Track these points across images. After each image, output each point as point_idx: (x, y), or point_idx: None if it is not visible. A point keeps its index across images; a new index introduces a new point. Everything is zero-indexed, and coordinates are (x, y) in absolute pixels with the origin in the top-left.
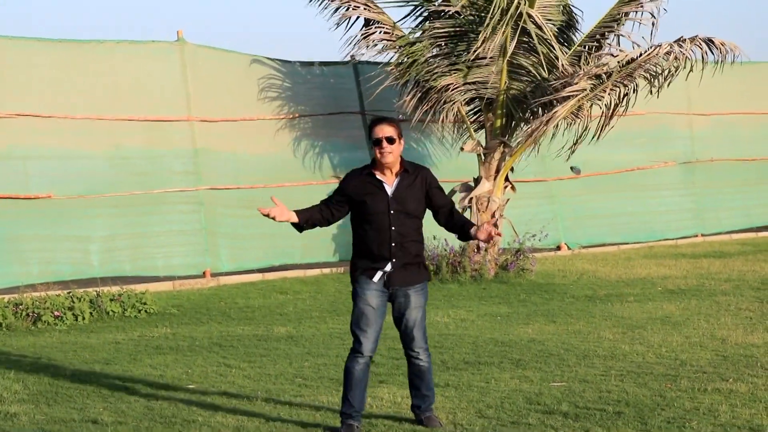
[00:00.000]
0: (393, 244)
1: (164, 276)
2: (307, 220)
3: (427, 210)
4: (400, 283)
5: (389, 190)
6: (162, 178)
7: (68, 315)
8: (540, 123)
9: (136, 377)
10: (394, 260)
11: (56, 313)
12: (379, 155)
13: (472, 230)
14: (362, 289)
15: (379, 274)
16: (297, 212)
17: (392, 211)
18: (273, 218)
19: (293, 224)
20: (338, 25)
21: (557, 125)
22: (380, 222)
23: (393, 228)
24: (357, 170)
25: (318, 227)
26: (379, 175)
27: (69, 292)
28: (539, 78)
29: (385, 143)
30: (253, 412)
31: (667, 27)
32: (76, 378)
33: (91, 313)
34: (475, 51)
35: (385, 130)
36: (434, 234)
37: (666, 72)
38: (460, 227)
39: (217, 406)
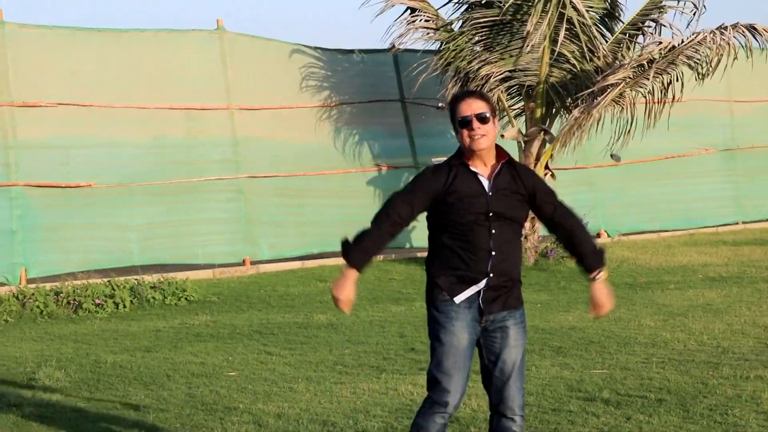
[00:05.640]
0: (493, 254)
1: (204, 264)
2: (364, 262)
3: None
4: (499, 307)
5: (487, 185)
6: (201, 167)
7: (109, 303)
8: (583, 110)
9: (177, 364)
10: (491, 275)
11: (97, 300)
12: (468, 140)
13: (592, 275)
14: (448, 318)
15: (472, 290)
16: (353, 266)
17: (491, 213)
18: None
19: None
20: (382, 12)
21: (601, 114)
22: (476, 228)
23: (493, 234)
24: (440, 164)
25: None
26: (473, 167)
27: (109, 280)
28: (579, 67)
29: (476, 122)
30: (294, 399)
31: (708, 14)
32: (117, 365)
33: (131, 301)
34: (527, 39)
35: (475, 106)
36: None
37: (710, 60)
38: (581, 254)
39: (258, 393)
